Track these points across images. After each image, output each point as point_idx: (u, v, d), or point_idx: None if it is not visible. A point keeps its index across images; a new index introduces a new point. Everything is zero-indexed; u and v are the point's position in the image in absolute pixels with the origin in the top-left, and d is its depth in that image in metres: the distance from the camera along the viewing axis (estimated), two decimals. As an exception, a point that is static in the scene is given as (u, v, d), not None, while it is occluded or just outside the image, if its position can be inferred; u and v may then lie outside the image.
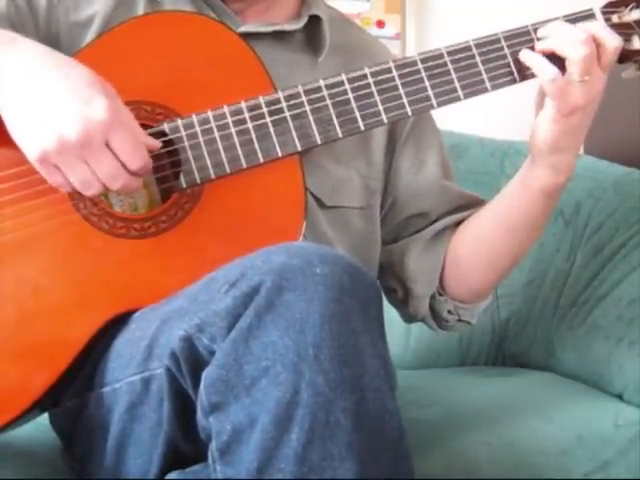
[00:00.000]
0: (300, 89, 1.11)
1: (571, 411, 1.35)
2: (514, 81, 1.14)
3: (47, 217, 1.07)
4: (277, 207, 1.11)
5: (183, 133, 1.09)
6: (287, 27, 1.22)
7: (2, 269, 1.06)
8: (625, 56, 1.14)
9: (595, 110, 1.13)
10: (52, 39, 1.16)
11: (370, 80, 1.12)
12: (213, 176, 1.09)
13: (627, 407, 1.39)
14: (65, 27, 1.18)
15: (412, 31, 2.13)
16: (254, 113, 1.10)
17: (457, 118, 1.60)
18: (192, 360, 0.94)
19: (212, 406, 0.91)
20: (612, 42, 1.10)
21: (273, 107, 1.11)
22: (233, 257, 0.97)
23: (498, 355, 1.70)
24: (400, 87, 1.13)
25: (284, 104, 1.11)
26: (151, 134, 1.07)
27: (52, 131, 0.99)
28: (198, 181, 1.09)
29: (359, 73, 1.13)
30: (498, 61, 1.14)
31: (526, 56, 1.13)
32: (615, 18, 1.15)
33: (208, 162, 1.09)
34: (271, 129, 1.10)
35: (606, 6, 1.16)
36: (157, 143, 1.06)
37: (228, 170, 1.09)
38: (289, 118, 1.11)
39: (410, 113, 1.13)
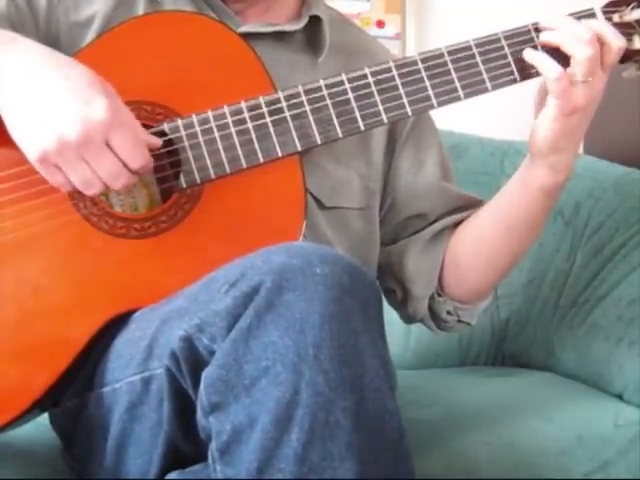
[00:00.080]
0: (300, 89, 1.11)
1: (571, 411, 1.35)
2: (514, 81, 1.14)
3: (47, 217, 1.07)
4: (277, 207, 1.11)
5: (183, 133, 1.09)
6: (287, 27, 1.22)
7: (2, 269, 1.06)
8: (626, 56, 1.14)
9: (595, 110, 1.14)
10: (52, 39, 1.16)
11: (370, 80, 1.12)
12: (213, 176, 1.09)
13: (627, 407, 1.39)
14: (65, 27, 1.18)
15: (412, 31, 2.13)
16: (254, 113, 1.10)
17: (457, 118, 1.60)
18: (192, 360, 0.94)
19: (212, 406, 0.91)
20: (617, 42, 1.10)
21: (273, 107, 1.11)
22: (233, 257, 0.97)
23: (498, 355, 1.70)
24: (400, 87, 1.13)
25: (284, 104, 1.11)
26: (151, 134, 1.07)
27: (52, 131, 0.99)
28: (198, 181, 1.09)
29: (359, 73, 1.13)
30: (498, 61, 1.14)
31: (530, 54, 1.13)
32: (616, 17, 1.15)
33: (208, 162, 1.09)
34: (271, 129, 1.10)
35: (607, 5, 1.16)
36: (158, 141, 1.06)
37: (228, 170, 1.09)
38: (289, 118, 1.11)
39: (410, 113, 1.13)
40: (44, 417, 1.17)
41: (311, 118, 1.11)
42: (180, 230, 1.09)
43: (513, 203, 1.22)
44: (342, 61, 1.23)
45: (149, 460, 1.01)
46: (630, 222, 1.57)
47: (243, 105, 1.10)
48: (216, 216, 1.10)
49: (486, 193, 1.30)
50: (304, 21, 1.23)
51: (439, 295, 1.29)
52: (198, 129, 1.09)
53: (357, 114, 1.12)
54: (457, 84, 1.13)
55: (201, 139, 1.09)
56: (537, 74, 1.14)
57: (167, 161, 1.10)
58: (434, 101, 1.13)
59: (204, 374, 0.92)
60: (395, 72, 1.13)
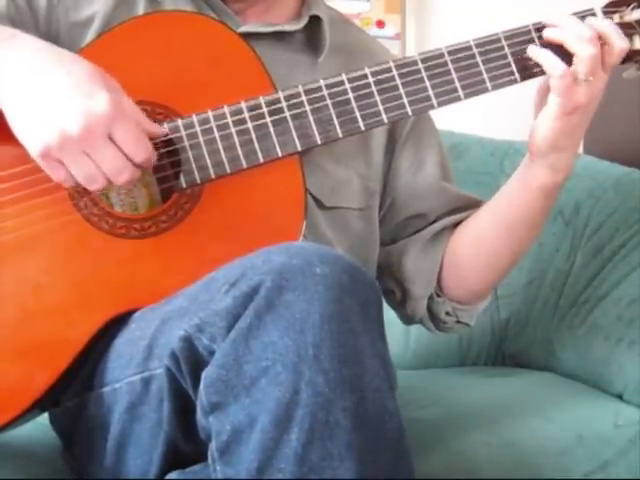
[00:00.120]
0: (300, 89, 1.11)
1: (571, 411, 1.35)
2: (515, 81, 1.14)
3: (48, 217, 1.07)
4: (277, 207, 1.11)
5: (183, 133, 1.09)
6: (287, 27, 1.22)
7: (3, 268, 1.06)
8: (626, 56, 1.14)
9: (595, 109, 1.14)
10: (52, 39, 1.15)
11: (370, 80, 1.12)
12: (213, 176, 1.09)
13: (627, 407, 1.39)
14: (65, 27, 1.18)
15: (412, 31, 2.13)
16: (254, 113, 1.10)
17: (457, 118, 1.60)
18: (192, 360, 0.94)
19: (212, 406, 0.91)
20: (620, 43, 1.10)
21: (273, 107, 1.11)
22: (233, 257, 0.97)
23: (498, 355, 1.70)
24: (400, 87, 1.12)
25: (284, 104, 1.11)
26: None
27: (54, 126, 0.99)
28: (198, 181, 1.09)
29: (359, 73, 1.13)
30: (499, 61, 1.14)
31: (534, 51, 1.13)
32: (616, 18, 1.15)
33: (208, 162, 1.09)
34: (271, 129, 1.10)
35: (607, 6, 1.16)
36: (163, 130, 1.06)
37: (228, 170, 1.09)
38: (289, 118, 1.11)
39: (410, 113, 1.13)
40: (44, 417, 1.17)
41: (311, 118, 1.11)
42: (180, 230, 1.09)
43: (512, 203, 1.22)
44: (342, 61, 1.23)
45: (149, 460, 1.01)
46: (630, 222, 1.57)
47: (243, 105, 1.10)
48: (216, 216, 1.10)
49: (486, 193, 1.30)
50: (304, 21, 1.23)
51: (438, 295, 1.29)
52: (198, 129, 1.09)
53: (357, 114, 1.12)
54: (457, 84, 1.13)
55: (201, 139, 1.09)
56: (537, 74, 1.14)
57: (167, 161, 1.10)
58: (434, 101, 1.13)
59: (204, 374, 0.92)
60: (395, 72, 1.13)
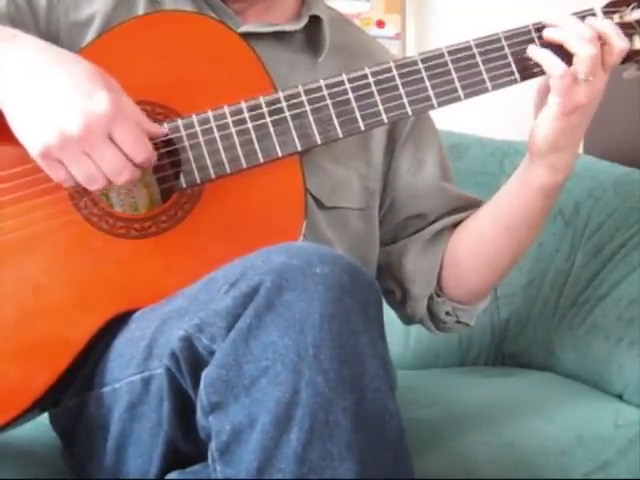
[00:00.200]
0: (300, 89, 1.11)
1: (571, 411, 1.35)
2: (515, 81, 1.14)
3: (48, 217, 1.07)
4: (277, 207, 1.11)
5: (183, 133, 1.09)
6: (287, 27, 1.22)
7: (3, 268, 1.06)
8: (626, 56, 1.14)
9: (595, 109, 1.14)
10: (52, 39, 1.15)
11: (370, 80, 1.12)
12: (213, 176, 1.09)
13: (627, 407, 1.39)
14: (65, 27, 1.18)
15: (412, 31, 2.13)
16: (254, 113, 1.10)
17: (457, 118, 1.60)
18: (192, 360, 0.94)
19: (212, 406, 0.91)
20: (620, 43, 1.10)
21: (273, 107, 1.11)
22: (233, 257, 0.97)
23: (498, 355, 1.70)
24: (400, 87, 1.12)
25: (284, 104, 1.11)
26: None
27: (54, 126, 0.99)
28: (198, 181, 1.09)
29: (359, 73, 1.13)
30: (499, 61, 1.14)
31: (534, 51, 1.13)
32: (616, 18, 1.15)
33: (208, 162, 1.09)
34: (271, 129, 1.10)
35: (607, 6, 1.16)
36: (163, 130, 1.06)
37: (228, 170, 1.09)
38: (289, 118, 1.11)
39: (410, 113, 1.13)
40: (44, 417, 1.17)
41: (311, 118, 1.11)
42: (180, 230, 1.09)
43: (512, 203, 1.22)
44: (342, 61, 1.23)
45: (149, 460, 1.01)
46: (630, 222, 1.57)
47: (243, 105, 1.10)
48: (216, 216, 1.10)
49: (486, 193, 1.30)
50: (304, 21, 1.23)
51: (438, 295, 1.29)
52: (198, 129, 1.09)
53: (357, 114, 1.12)
54: (457, 84, 1.13)
55: (201, 139, 1.09)
56: (537, 74, 1.14)
57: (167, 161, 1.10)
58: (434, 101, 1.13)
59: (204, 374, 0.92)
60: (395, 72, 1.13)
